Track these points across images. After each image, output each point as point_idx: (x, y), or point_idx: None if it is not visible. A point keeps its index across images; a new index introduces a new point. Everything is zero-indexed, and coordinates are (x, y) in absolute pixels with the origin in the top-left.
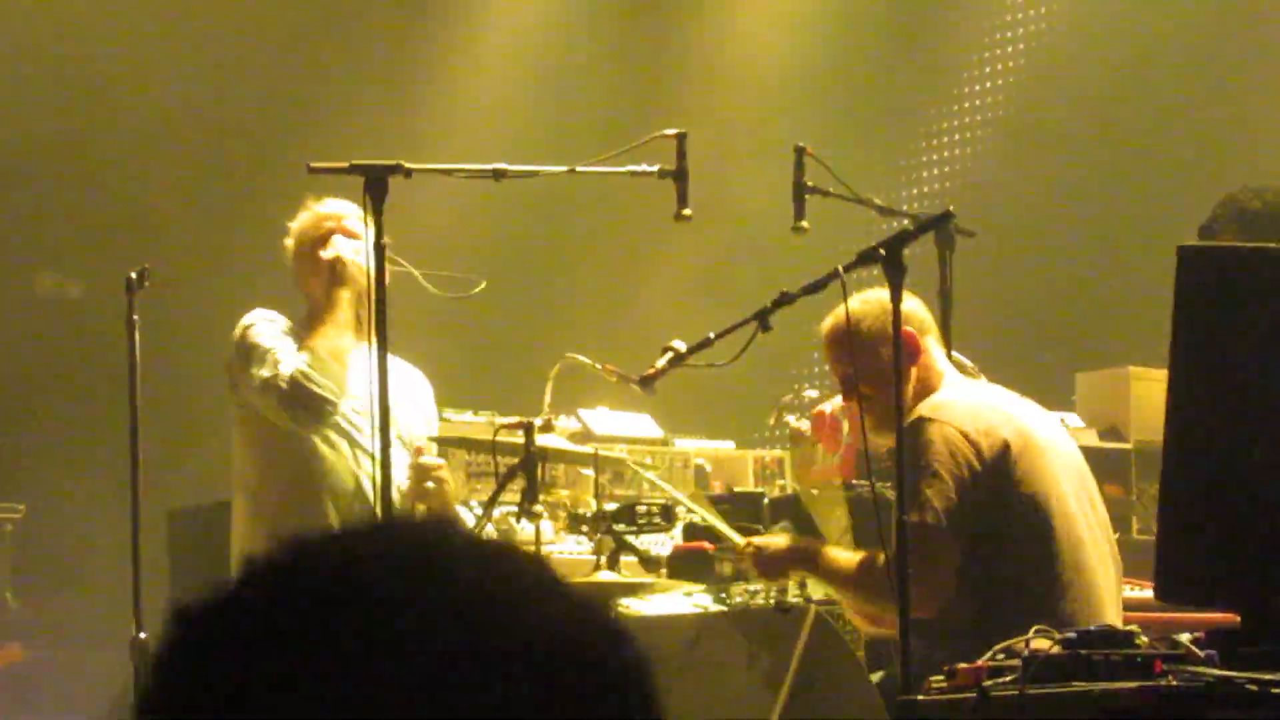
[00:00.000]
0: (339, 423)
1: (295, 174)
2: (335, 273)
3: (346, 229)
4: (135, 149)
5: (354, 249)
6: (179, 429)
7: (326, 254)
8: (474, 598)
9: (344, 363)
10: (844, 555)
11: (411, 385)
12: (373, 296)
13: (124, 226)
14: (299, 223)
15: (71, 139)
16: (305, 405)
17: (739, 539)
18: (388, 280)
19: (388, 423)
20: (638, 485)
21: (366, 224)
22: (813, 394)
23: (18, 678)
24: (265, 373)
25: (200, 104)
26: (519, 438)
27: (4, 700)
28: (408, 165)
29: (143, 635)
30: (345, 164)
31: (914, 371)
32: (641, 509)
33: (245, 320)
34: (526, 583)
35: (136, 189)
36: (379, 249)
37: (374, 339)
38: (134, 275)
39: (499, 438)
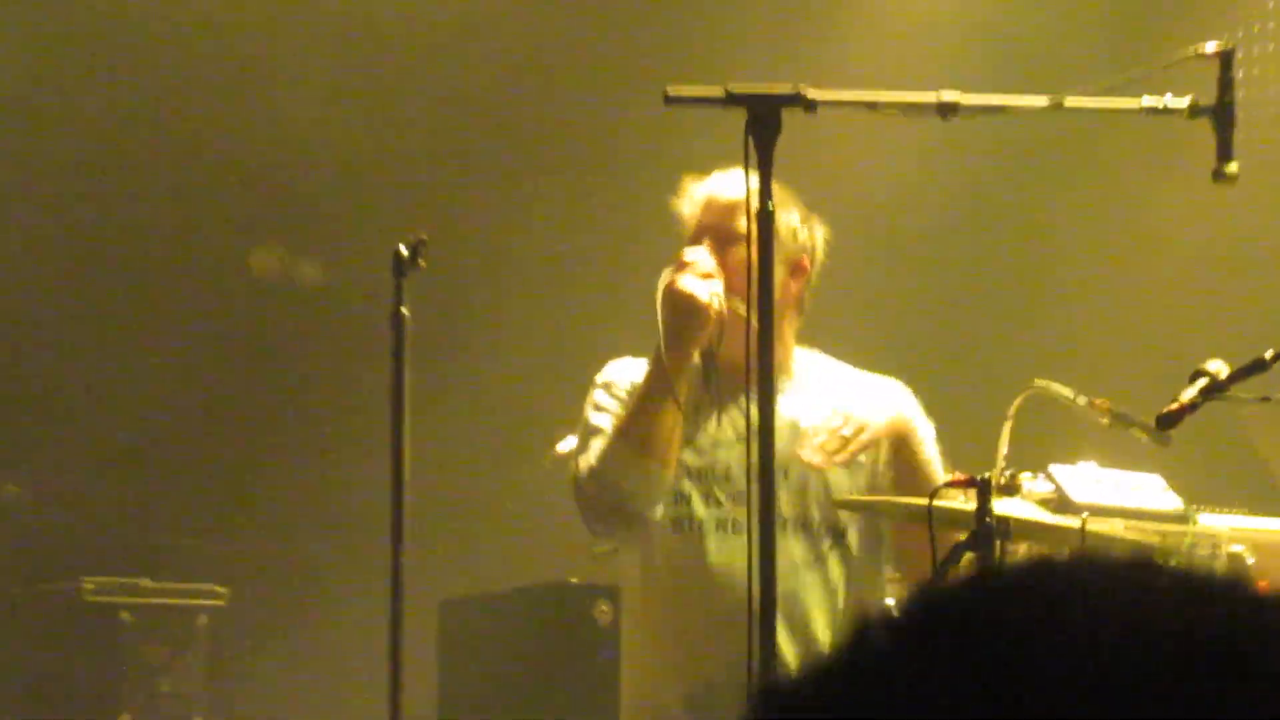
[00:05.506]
0: (694, 507)
1: (651, 106)
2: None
3: (727, 230)
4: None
5: (710, 284)
6: (454, 504)
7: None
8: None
9: (672, 437)
10: None
11: (860, 414)
12: (751, 296)
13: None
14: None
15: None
16: (593, 512)
17: None
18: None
19: (771, 498)
20: None
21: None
22: None
23: None
24: (577, 464)
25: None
26: (968, 502)
27: None
28: (810, 94)
29: None
30: (719, 90)
31: None
32: None
33: (599, 376)
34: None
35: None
36: (763, 216)
37: (757, 365)
38: (404, 249)
39: (937, 501)
